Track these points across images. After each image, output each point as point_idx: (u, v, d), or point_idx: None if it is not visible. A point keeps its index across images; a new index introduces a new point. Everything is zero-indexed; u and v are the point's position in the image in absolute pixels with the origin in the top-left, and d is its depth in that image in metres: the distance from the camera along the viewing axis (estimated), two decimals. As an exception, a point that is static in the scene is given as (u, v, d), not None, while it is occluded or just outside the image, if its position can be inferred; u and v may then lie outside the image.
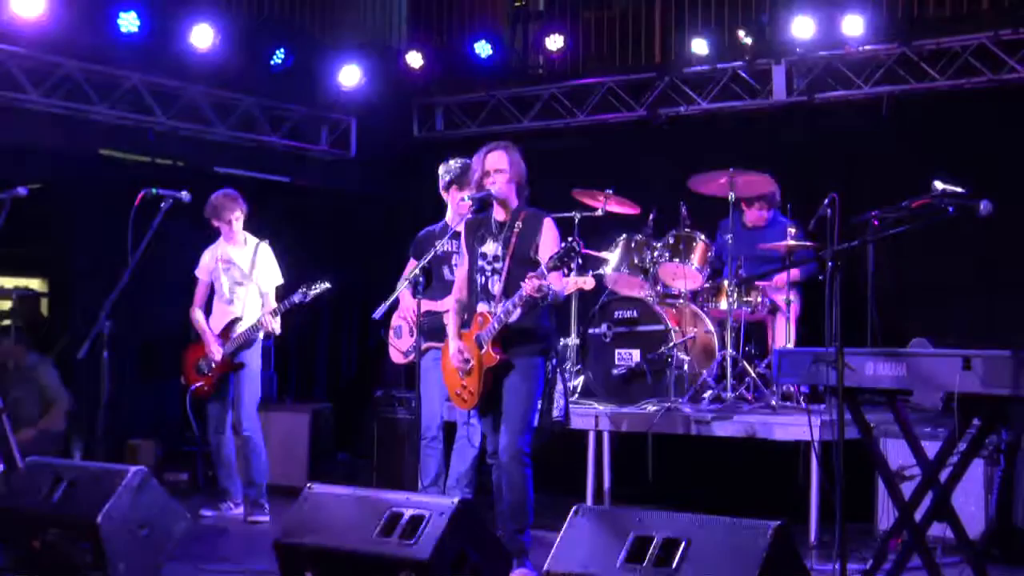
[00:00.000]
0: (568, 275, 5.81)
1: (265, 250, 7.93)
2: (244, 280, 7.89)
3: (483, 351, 5.85)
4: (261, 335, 7.82)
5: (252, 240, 7.97)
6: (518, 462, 5.81)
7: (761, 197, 8.34)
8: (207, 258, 8.01)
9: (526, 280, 5.59)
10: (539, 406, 5.92)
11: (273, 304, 7.81)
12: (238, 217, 7.87)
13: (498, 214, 6.01)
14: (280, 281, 7.92)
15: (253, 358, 7.84)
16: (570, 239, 5.61)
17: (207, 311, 8.00)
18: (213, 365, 7.83)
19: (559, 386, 6.04)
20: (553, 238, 5.88)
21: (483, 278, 6.00)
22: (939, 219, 5.21)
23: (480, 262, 6.02)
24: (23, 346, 8.80)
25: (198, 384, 7.88)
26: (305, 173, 10.88)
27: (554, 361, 6.00)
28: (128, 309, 6.71)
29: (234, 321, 7.84)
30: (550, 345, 6.00)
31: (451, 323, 6.14)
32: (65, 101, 9.01)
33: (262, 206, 8.07)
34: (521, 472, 5.82)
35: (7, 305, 9.23)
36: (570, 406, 6.22)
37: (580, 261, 5.66)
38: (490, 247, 5.99)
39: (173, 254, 8.33)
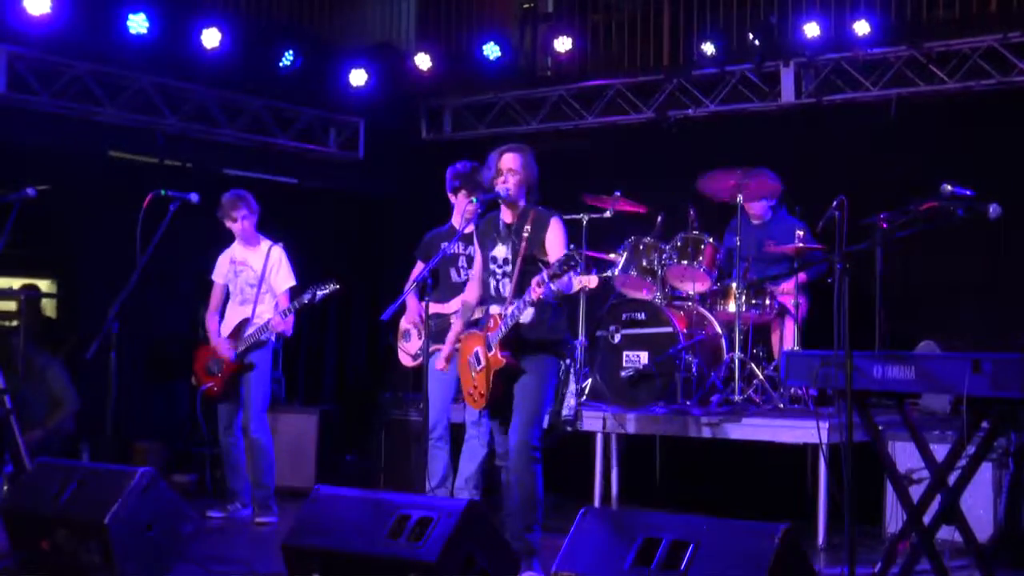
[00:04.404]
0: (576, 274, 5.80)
1: (278, 252, 7.93)
2: (257, 282, 7.88)
3: (491, 353, 5.86)
4: (273, 337, 7.83)
5: (265, 242, 7.97)
6: (528, 458, 5.80)
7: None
8: (221, 262, 8.02)
9: (532, 286, 5.61)
10: (550, 404, 5.92)
11: (286, 306, 7.81)
12: (245, 216, 7.87)
13: (505, 216, 6.02)
14: (293, 283, 7.91)
15: (263, 359, 7.84)
16: (571, 247, 5.63)
17: (222, 314, 8.01)
18: (223, 366, 7.84)
19: (571, 386, 6.06)
20: (560, 236, 5.89)
21: (494, 281, 6.01)
22: (947, 222, 5.21)
23: (491, 265, 6.03)
24: (33, 346, 8.80)
25: (208, 385, 7.89)
26: (313, 175, 10.89)
27: (567, 361, 6.01)
28: (136, 310, 6.73)
29: (245, 322, 7.84)
30: (562, 345, 6.01)
31: (454, 325, 6.14)
32: (74, 102, 9.02)
33: (270, 207, 8.07)
34: (531, 468, 5.81)
35: (14, 306, 9.23)
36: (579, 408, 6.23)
37: (583, 264, 5.65)
38: (500, 250, 6.00)
39: (182, 256, 8.34)
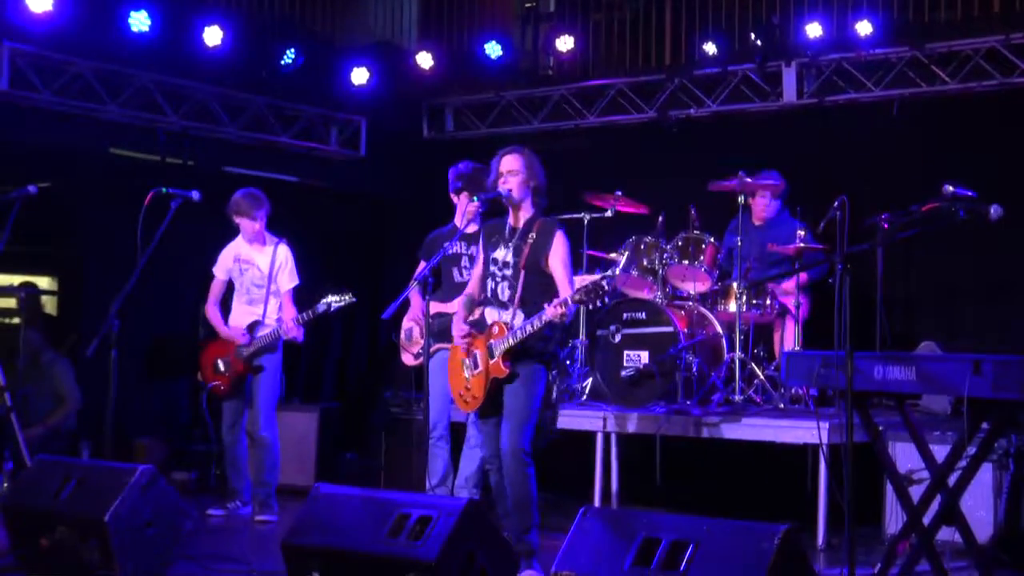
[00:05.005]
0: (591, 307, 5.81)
1: (284, 251, 7.90)
2: (265, 282, 7.87)
3: (493, 360, 5.86)
4: (283, 339, 7.80)
5: (271, 242, 7.95)
6: (520, 461, 5.81)
7: (765, 187, 8.34)
8: (225, 256, 8.00)
9: (552, 306, 5.61)
10: (539, 409, 5.92)
11: (291, 306, 7.79)
12: (263, 216, 7.85)
13: (511, 219, 6.03)
14: (297, 282, 7.90)
15: (273, 362, 7.82)
16: (603, 276, 5.64)
17: (224, 309, 8.00)
18: (232, 365, 7.81)
19: (553, 395, 6.06)
20: (563, 253, 5.90)
21: (493, 283, 6.00)
22: (949, 223, 5.21)
23: (492, 267, 6.02)
24: (39, 343, 8.80)
25: (215, 383, 7.87)
26: (315, 173, 10.89)
27: (555, 372, 6.01)
28: (137, 308, 6.72)
29: (255, 324, 7.82)
30: (553, 354, 6.01)
31: (458, 314, 6.14)
32: (75, 100, 9.01)
33: (272, 206, 8.08)
34: (523, 472, 5.82)
35: (14, 303, 9.23)
36: (576, 409, 6.23)
37: (608, 301, 5.66)
38: (501, 253, 5.99)
39: (183, 253, 8.33)
